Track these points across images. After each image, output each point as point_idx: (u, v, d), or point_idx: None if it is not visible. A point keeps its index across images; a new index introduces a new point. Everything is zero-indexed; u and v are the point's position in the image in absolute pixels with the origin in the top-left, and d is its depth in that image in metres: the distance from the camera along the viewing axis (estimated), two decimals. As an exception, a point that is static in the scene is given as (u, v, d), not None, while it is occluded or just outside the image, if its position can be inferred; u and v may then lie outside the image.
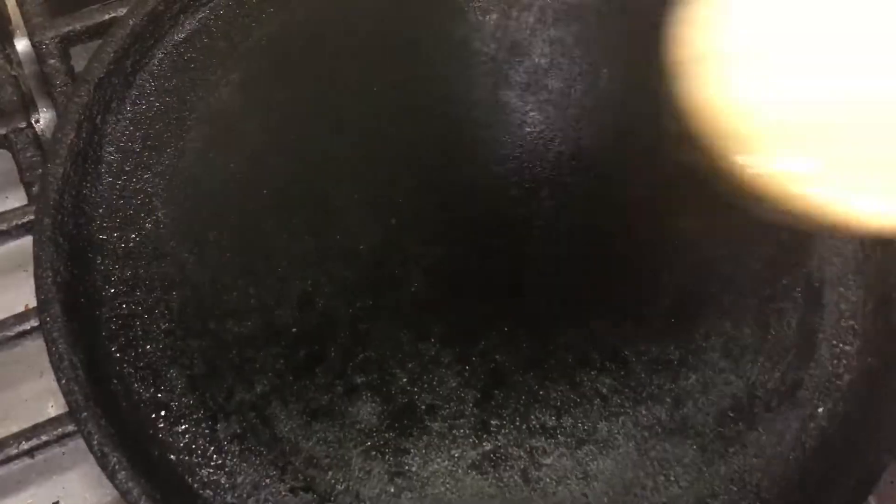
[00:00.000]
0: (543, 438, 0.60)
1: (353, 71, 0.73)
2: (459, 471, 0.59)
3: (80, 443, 0.58)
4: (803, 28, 0.48)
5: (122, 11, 0.73)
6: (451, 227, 0.67)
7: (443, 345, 0.62)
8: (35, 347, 0.62)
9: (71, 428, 0.59)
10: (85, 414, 0.55)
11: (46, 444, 0.59)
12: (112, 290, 0.62)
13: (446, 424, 0.60)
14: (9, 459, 0.59)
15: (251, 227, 0.65)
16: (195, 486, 0.57)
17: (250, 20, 0.73)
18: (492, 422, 0.60)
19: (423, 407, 0.61)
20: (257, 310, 0.62)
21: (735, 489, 0.59)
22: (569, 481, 0.59)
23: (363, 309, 0.63)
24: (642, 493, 0.59)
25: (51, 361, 0.57)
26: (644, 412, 0.61)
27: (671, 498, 0.59)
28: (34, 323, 0.62)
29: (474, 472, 0.59)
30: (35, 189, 0.68)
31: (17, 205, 0.68)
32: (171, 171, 0.66)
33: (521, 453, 0.60)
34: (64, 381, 0.56)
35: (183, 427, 0.58)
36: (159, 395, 0.59)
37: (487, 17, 0.77)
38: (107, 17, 0.74)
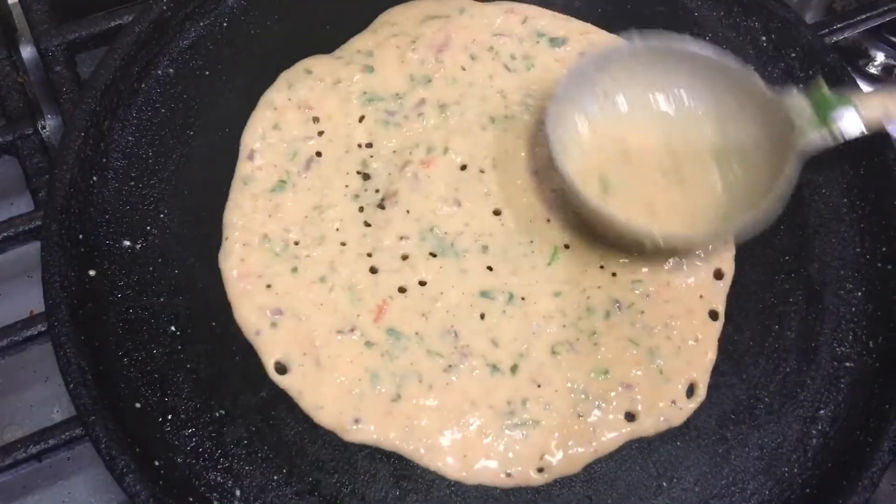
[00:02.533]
0: (547, 441, 0.60)
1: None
2: (464, 473, 0.59)
3: (85, 448, 0.58)
4: None
5: (127, 19, 0.74)
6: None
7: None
8: (40, 353, 0.63)
9: (78, 432, 0.59)
10: (93, 417, 0.55)
11: (54, 449, 0.59)
12: (119, 295, 0.62)
13: (450, 427, 0.60)
14: (16, 464, 0.59)
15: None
16: (202, 489, 0.57)
17: (254, 27, 0.74)
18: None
19: (428, 410, 0.61)
20: (263, 314, 0.63)
21: (737, 490, 0.59)
22: (573, 483, 0.59)
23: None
24: (645, 495, 0.59)
25: (59, 365, 0.57)
26: (647, 415, 0.62)
27: (674, 499, 0.59)
28: (41, 328, 0.62)
29: (479, 475, 0.59)
30: (42, 195, 0.69)
31: (23, 210, 0.69)
32: (177, 177, 0.67)
33: (526, 456, 0.60)
34: (72, 385, 0.56)
35: (190, 431, 0.58)
36: (166, 399, 0.59)
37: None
38: (112, 24, 0.75)
